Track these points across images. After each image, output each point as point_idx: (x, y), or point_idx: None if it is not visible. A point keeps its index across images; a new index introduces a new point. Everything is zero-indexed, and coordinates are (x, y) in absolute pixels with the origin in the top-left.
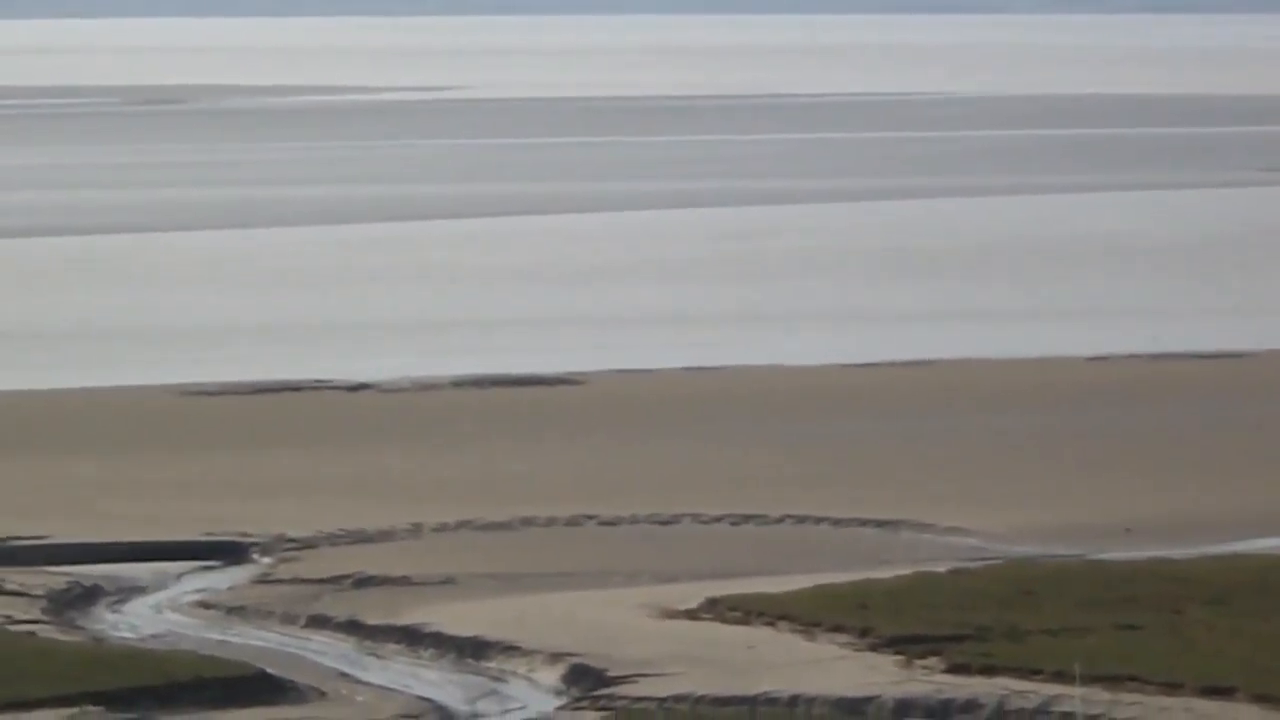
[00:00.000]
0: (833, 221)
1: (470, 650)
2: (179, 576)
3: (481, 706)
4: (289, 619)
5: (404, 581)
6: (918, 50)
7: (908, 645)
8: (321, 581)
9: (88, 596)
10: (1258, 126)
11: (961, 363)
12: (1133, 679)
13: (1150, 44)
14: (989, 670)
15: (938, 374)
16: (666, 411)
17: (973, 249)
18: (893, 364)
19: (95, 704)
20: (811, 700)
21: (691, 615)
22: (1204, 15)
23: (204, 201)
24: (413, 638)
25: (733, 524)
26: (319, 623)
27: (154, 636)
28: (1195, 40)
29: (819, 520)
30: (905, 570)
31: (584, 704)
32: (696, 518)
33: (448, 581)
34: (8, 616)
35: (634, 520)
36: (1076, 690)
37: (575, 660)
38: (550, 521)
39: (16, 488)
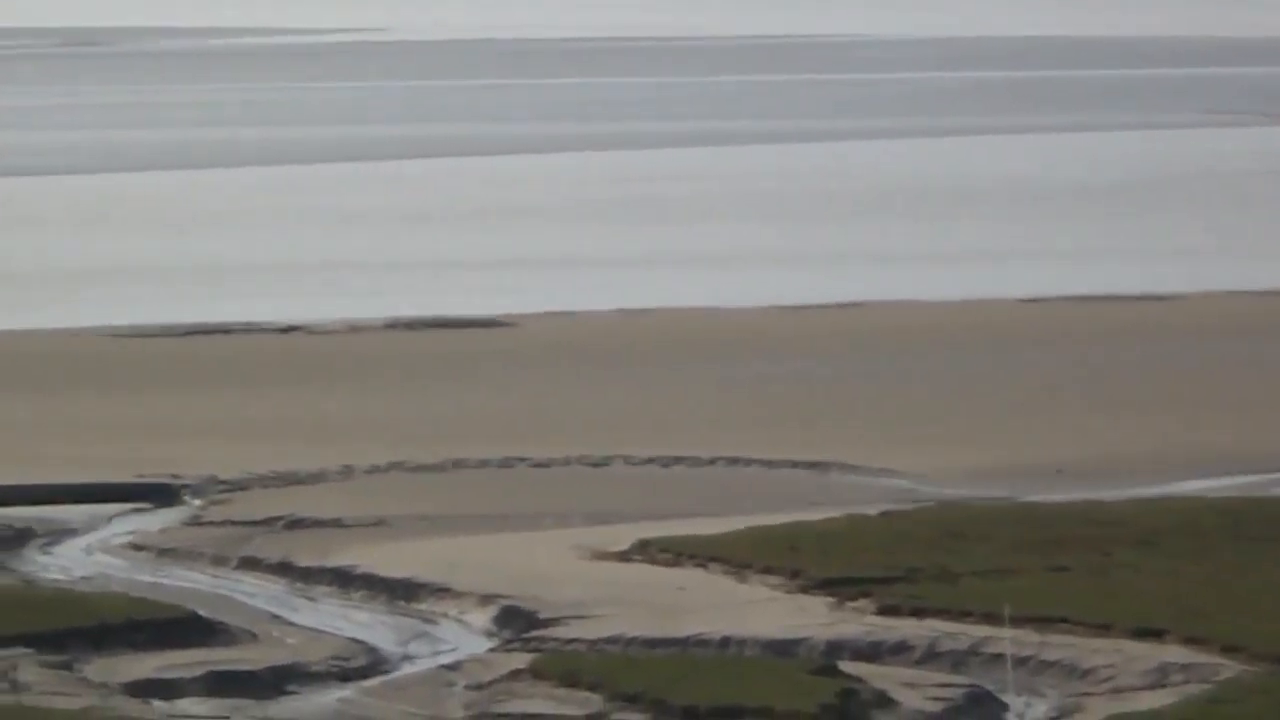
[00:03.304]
0: (759, 164)
1: (401, 592)
2: (110, 519)
3: (413, 648)
4: (220, 561)
5: (335, 523)
6: None
7: (838, 587)
8: (253, 523)
9: (19, 539)
10: (1199, 69)
11: (893, 305)
12: (1063, 620)
13: None
14: (919, 612)
15: (869, 316)
16: (598, 353)
17: (903, 191)
18: (824, 306)
19: (27, 646)
20: (742, 642)
21: (622, 557)
22: None
23: (135, 143)
24: (344, 580)
25: (664, 466)
26: (250, 565)
27: (85, 579)
28: None
29: (750, 462)
30: (836, 512)
31: (515, 646)
32: (628, 460)
33: (379, 523)
34: None
35: (565, 462)
36: (1006, 632)
37: (506, 602)
38: (482, 463)
39: None
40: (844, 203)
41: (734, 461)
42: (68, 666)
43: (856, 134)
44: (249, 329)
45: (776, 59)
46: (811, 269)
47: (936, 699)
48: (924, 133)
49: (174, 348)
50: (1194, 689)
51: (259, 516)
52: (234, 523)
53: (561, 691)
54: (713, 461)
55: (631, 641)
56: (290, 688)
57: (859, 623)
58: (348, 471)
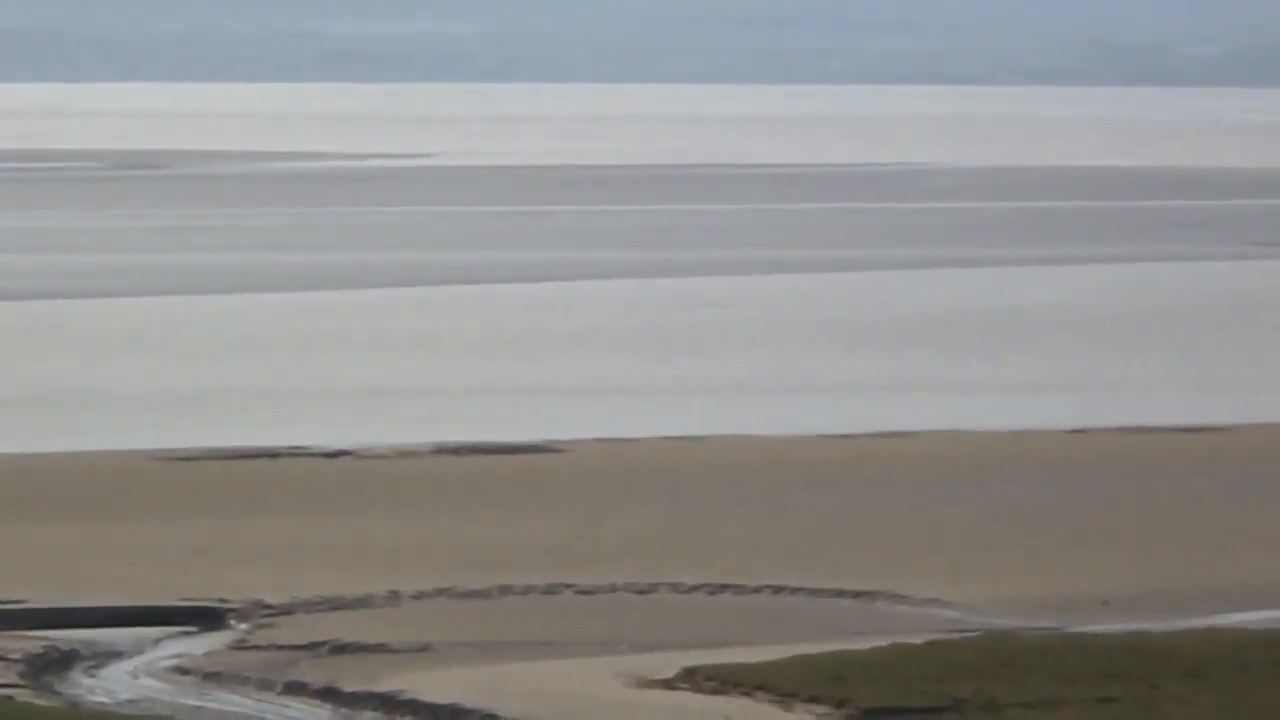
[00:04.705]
0: (809, 292)
1: (447, 718)
2: (156, 642)
3: None
4: (265, 685)
5: (381, 649)
6: (898, 121)
7: (884, 717)
8: (298, 648)
9: (64, 661)
10: (1246, 200)
11: (940, 434)
12: None
13: (1139, 117)
14: None
15: (916, 445)
16: (646, 480)
17: (952, 320)
18: (871, 435)
19: None
20: None
21: (668, 685)
22: (1192, 89)
23: (183, 267)
24: (389, 705)
25: (710, 593)
26: (295, 689)
27: (130, 702)
28: (1184, 114)
29: (796, 590)
30: (882, 641)
31: None
32: (674, 587)
33: (425, 649)
34: None
35: (611, 589)
36: None
37: None
38: (528, 590)
39: None
40: (892, 331)
41: (780, 590)
42: None
43: (905, 263)
44: (296, 453)
45: (824, 187)
46: (859, 398)
47: None
48: (971, 262)
49: (220, 471)
50: None
51: (305, 641)
52: (280, 647)
53: None
54: (759, 590)
55: None
56: None
57: None
58: (394, 597)
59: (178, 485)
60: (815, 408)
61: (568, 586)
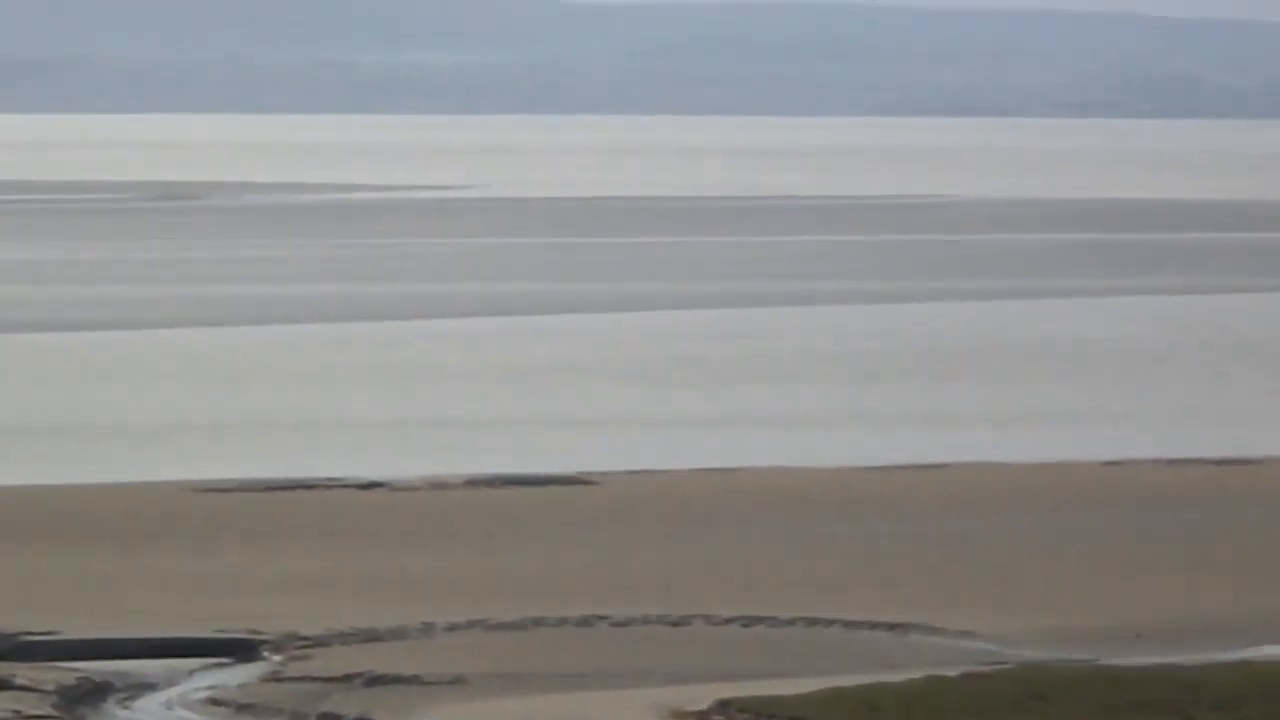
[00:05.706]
0: (843, 324)
1: None
2: (190, 673)
3: None
4: (299, 717)
5: (415, 680)
6: (927, 153)
7: None
8: (332, 680)
9: (98, 692)
10: (1272, 233)
11: (974, 466)
12: None
13: (1163, 148)
14: None
15: (951, 477)
16: (679, 512)
17: (985, 352)
18: (905, 467)
19: None
20: None
21: (702, 717)
22: (1225, 121)
23: (218, 298)
24: None
25: (744, 625)
26: None
27: None
28: (1209, 145)
29: (830, 623)
30: (916, 674)
31: None
32: (708, 619)
33: (458, 681)
34: (17, 712)
35: (645, 621)
36: None
37: None
38: (561, 622)
39: (28, 582)
40: (926, 363)
41: (814, 622)
42: None
43: (939, 295)
44: (330, 485)
45: (859, 219)
46: (894, 430)
47: None
48: (1006, 294)
49: (255, 503)
50: None
51: (338, 673)
52: (313, 679)
53: None
54: (793, 622)
55: None
56: None
57: None
58: (428, 629)
59: (213, 517)
60: (849, 440)
61: (601, 618)
